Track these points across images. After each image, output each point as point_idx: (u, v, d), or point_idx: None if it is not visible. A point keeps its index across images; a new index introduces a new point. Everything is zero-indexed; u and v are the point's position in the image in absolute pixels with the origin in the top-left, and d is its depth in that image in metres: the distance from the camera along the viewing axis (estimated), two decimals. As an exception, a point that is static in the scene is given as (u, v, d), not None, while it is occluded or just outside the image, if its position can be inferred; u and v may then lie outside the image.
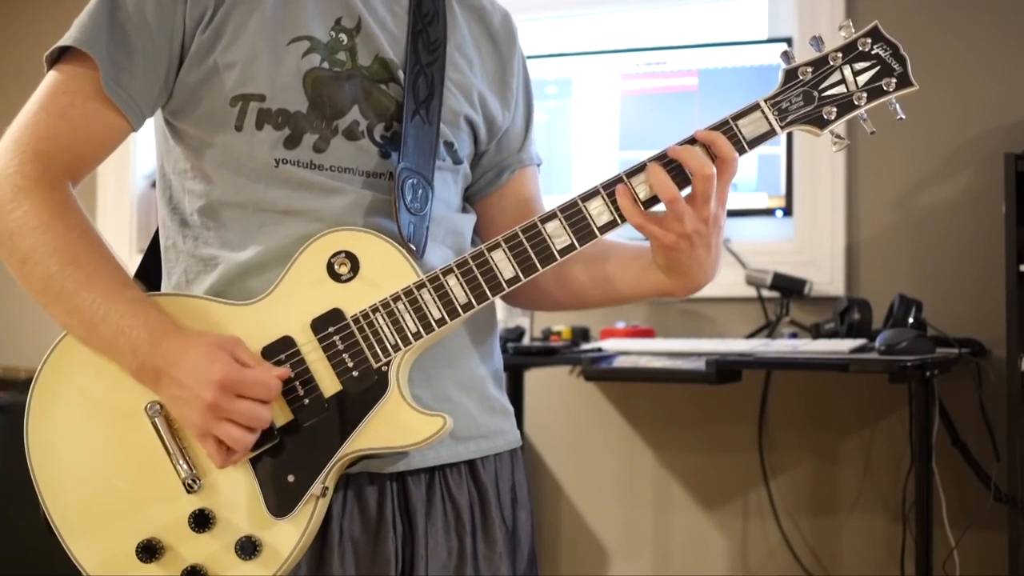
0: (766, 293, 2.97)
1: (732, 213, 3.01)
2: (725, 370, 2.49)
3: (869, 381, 2.80)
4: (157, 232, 1.50)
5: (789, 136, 2.77)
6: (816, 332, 2.83)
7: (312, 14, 1.40)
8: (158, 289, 1.46)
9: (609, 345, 2.76)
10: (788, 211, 2.98)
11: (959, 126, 2.87)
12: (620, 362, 2.59)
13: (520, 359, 2.82)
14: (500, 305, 1.85)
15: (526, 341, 2.93)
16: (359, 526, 1.37)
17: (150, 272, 1.49)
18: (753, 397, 3.02)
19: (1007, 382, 2.44)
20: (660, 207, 1.34)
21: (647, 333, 2.98)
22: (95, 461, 1.34)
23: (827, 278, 2.97)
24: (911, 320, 2.62)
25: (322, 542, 1.35)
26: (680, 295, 1.44)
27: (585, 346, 2.86)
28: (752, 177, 2.98)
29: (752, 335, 2.98)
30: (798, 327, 2.95)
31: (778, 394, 3.03)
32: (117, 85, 1.35)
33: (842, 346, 2.54)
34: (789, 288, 2.92)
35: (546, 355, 2.79)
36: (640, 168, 1.34)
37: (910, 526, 2.76)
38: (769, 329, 2.96)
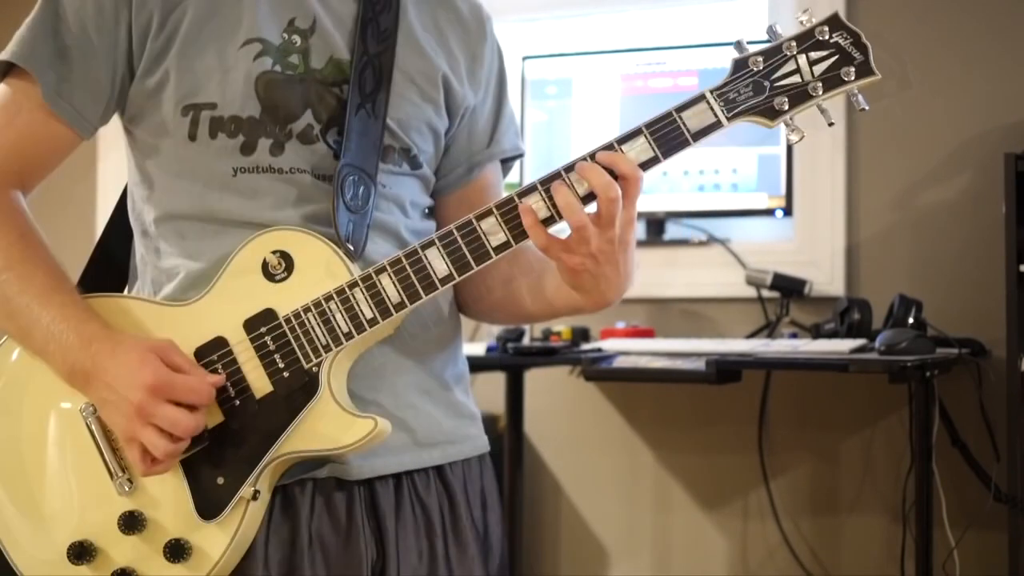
0: (766, 293, 2.97)
1: (732, 213, 3.04)
2: (725, 370, 2.48)
3: (869, 381, 2.80)
4: (106, 232, 1.49)
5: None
6: (816, 332, 2.82)
7: (265, 15, 1.37)
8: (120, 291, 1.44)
9: (609, 345, 2.76)
10: (788, 211, 2.98)
11: (959, 126, 2.86)
12: (620, 362, 2.58)
13: (520, 359, 2.82)
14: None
15: (526, 341, 2.92)
16: (329, 529, 1.35)
17: (108, 275, 1.47)
18: (753, 397, 3.02)
19: (1007, 382, 2.44)
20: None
21: (647, 333, 2.97)
22: (34, 463, 1.33)
23: (827, 278, 2.97)
24: (911, 320, 2.62)
25: (292, 545, 1.33)
26: (590, 311, 1.40)
27: (585, 346, 2.86)
28: (752, 177, 2.98)
29: (752, 335, 2.98)
30: (798, 327, 2.95)
31: (778, 394, 3.03)
32: (59, 97, 1.35)
33: (842, 346, 2.54)
34: (789, 288, 2.92)
35: (546, 355, 2.79)
36: (555, 176, 1.28)
37: (910, 526, 2.76)
38: (769, 329, 2.96)
